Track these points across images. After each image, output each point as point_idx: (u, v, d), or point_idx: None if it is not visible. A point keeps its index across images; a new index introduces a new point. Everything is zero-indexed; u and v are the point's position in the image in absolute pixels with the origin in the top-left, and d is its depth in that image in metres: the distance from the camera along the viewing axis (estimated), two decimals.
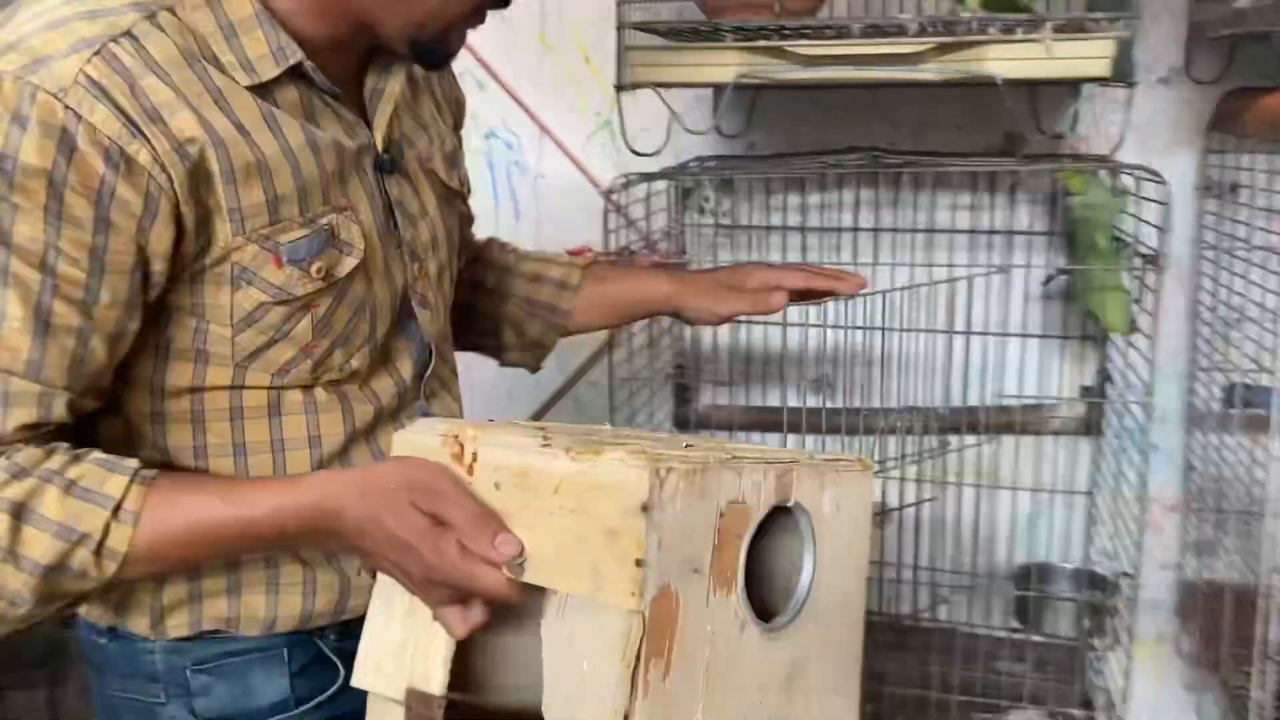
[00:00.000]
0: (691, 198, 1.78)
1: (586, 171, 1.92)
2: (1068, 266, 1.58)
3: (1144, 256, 1.43)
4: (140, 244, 0.80)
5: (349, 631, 0.93)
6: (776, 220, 1.74)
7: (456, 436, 0.78)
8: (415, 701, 0.78)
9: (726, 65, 1.35)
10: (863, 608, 0.88)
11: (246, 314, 0.85)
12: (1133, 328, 1.50)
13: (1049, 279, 1.63)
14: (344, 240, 0.89)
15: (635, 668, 0.68)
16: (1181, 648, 1.77)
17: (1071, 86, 1.57)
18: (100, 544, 0.78)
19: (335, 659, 0.96)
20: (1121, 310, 1.50)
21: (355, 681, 0.83)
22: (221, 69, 0.83)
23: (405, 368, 0.99)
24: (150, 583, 0.90)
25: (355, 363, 0.92)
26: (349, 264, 0.89)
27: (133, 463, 0.81)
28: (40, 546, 0.77)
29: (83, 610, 0.96)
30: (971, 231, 1.67)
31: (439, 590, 0.76)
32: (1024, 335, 1.70)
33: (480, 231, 1.25)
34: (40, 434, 0.79)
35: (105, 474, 0.79)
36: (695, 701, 0.73)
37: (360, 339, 0.92)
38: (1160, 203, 1.34)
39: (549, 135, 1.92)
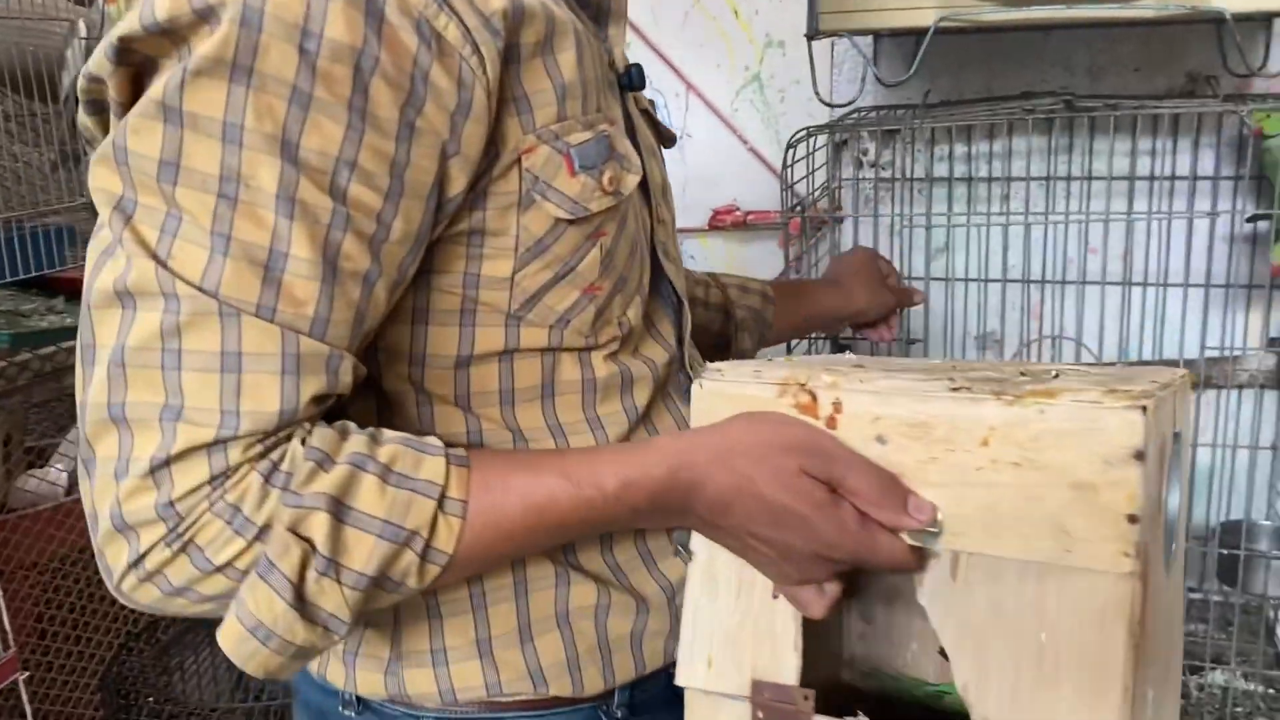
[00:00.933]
0: (848, 149, 1.73)
1: (735, 129, 1.88)
2: (1262, 211, 1.49)
3: None
4: (446, 153, 0.65)
5: (636, 705, 0.80)
6: (941, 171, 1.68)
7: (804, 384, 0.65)
8: (769, 694, 0.67)
9: (924, 8, 1.29)
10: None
11: (536, 240, 0.70)
12: None
13: (1254, 219, 1.54)
14: (621, 153, 0.74)
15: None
16: None
17: (1264, 21, 1.47)
18: (428, 544, 0.63)
19: None
20: None
21: (680, 680, 0.72)
22: None
23: (667, 330, 0.85)
24: (434, 625, 0.73)
25: (631, 315, 0.78)
26: (632, 180, 0.75)
27: (437, 441, 0.66)
28: (363, 552, 0.61)
29: (315, 664, 0.80)
30: (1152, 178, 1.58)
31: (823, 567, 0.66)
32: (1207, 285, 1.62)
33: None
34: (324, 410, 0.65)
35: (418, 455, 0.64)
36: (1150, 652, 0.63)
37: (634, 284, 0.79)
38: None
39: (695, 92, 1.88)
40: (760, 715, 0.67)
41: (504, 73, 0.66)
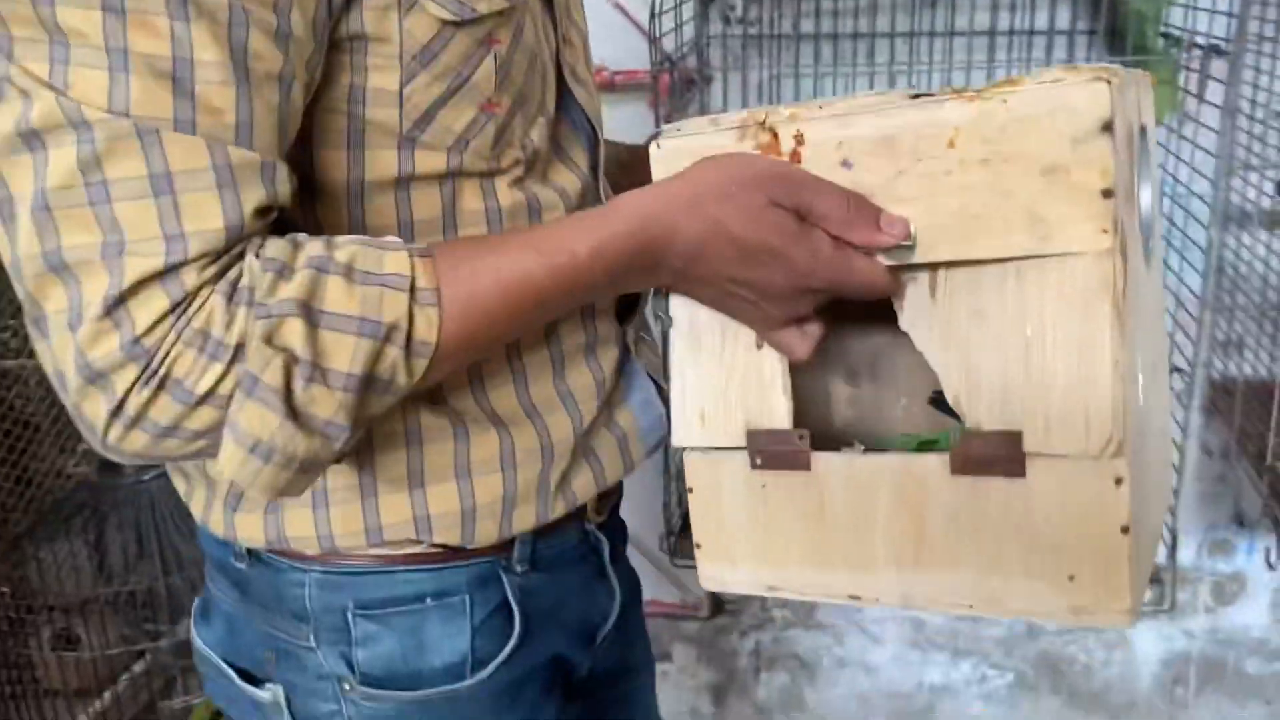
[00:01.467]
0: (715, 5, 1.70)
1: None
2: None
3: (1202, 47, 1.39)
4: None
5: (540, 560, 0.80)
6: (808, 28, 1.66)
7: (763, 122, 0.64)
8: (765, 440, 0.67)
9: None
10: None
11: (422, 47, 0.65)
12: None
13: None
14: None
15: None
16: (1209, 443, 1.81)
17: None
18: (409, 336, 0.60)
19: (516, 608, 0.78)
20: (1170, 105, 1.48)
21: (676, 441, 0.72)
22: None
23: (579, 156, 0.79)
24: (316, 468, 0.66)
25: (535, 137, 0.74)
26: None
27: (394, 238, 0.63)
28: (345, 353, 0.58)
29: (200, 513, 0.78)
30: (1011, 32, 1.61)
31: (803, 300, 0.65)
32: None
33: None
34: (269, 224, 0.61)
35: (379, 253, 0.61)
36: (1134, 337, 0.63)
37: (535, 103, 0.74)
38: None
39: None
40: (759, 461, 0.67)
41: None
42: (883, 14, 1.63)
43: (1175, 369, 1.53)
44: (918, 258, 0.61)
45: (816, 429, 0.68)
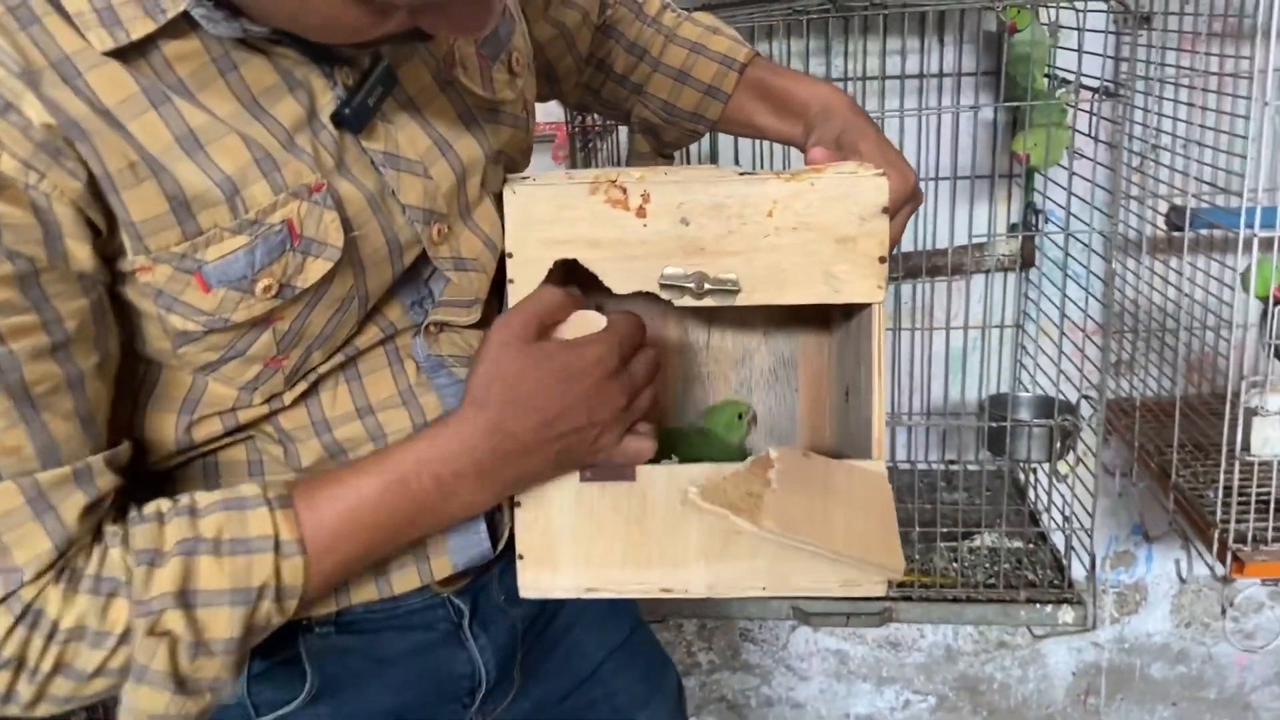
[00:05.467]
0: None
1: None
2: (1013, 103, 1.60)
3: (1092, 89, 1.46)
4: (56, 266, 0.60)
5: (353, 625, 0.82)
6: None
7: (614, 180, 0.74)
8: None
9: None
10: None
11: (180, 332, 0.66)
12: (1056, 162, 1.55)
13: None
14: (310, 238, 0.65)
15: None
16: (1106, 461, 1.90)
17: None
18: (278, 589, 0.66)
19: (308, 664, 0.81)
20: (1059, 144, 1.55)
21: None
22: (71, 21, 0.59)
23: (396, 315, 0.76)
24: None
25: (336, 359, 0.74)
26: (319, 269, 0.66)
27: (251, 489, 0.67)
28: (223, 624, 0.64)
29: None
30: (921, 76, 1.67)
31: (619, 392, 0.72)
32: (955, 178, 1.73)
33: None
34: (109, 509, 0.65)
35: (241, 515, 0.66)
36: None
37: (348, 329, 0.73)
38: (1103, 32, 1.37)
39: None
40: (588, 474, 0.76)
41: (97, 194, 0.60)
42: (795, 60, 1.66)
43: (1084, 396, 1.60)
44: (741, 300, 0.75)
45: None
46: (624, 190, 0.74)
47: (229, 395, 0.71)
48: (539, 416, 0.70)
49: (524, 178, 0.75)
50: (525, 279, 0.74)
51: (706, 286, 0.74)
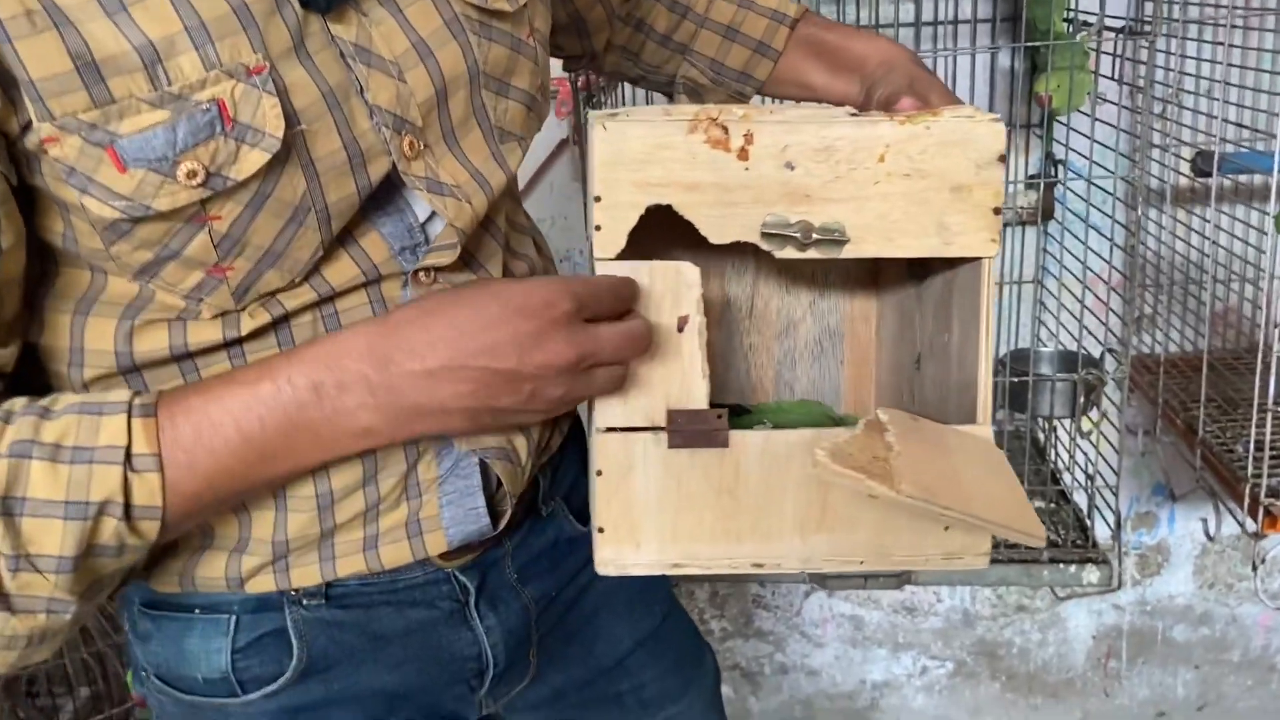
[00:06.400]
0: None
1: None
2: (1033, 43, 1.54)
3: (1115, 30, 1.41)
4: None
5: (345, 598, 0.76)
6: None
7: (715, 119, 0.68)
8: (684, 420, 0.70)
9: None
10: None
11: (107, 224, 0.59)
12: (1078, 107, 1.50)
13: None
14: (245, 124, 0.59)
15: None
16: (1130, 419, 1.85)
17: None
18: (128, 506, 0.58)
19: (295, 639, 0.75)
20: (1081, 89, 1.49)
21: (599, 423, 0.71)
22: None
23: (376, 249, 0.68)
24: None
25: (297, 296, 0.67)
26: (255, 160, 0.59)
27: (121, 394, 0.60)
28: (53, 538, 0.57)
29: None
30: (936, 23, 1.61)
31: (584, 337, 0.63)
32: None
33: None
34: None
35: (94, 421, 0.58)
36: None
37: (308, 251, 0.65)
38: None
39: None
40: (677, 440, 0.70)
41: None
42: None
43: (1108, 350, 1.55)
44: (847, 252, 0.70)
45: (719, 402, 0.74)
46: (725, 129, 0.67)
47: (175, 303, 0.64)
48: (456, 340, 0.60)
49: (614, 113, 0.69)
50: (613, 226, 0.67)
51: (814, 236, 0.69)
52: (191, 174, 0.58)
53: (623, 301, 0.66)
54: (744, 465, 0.71)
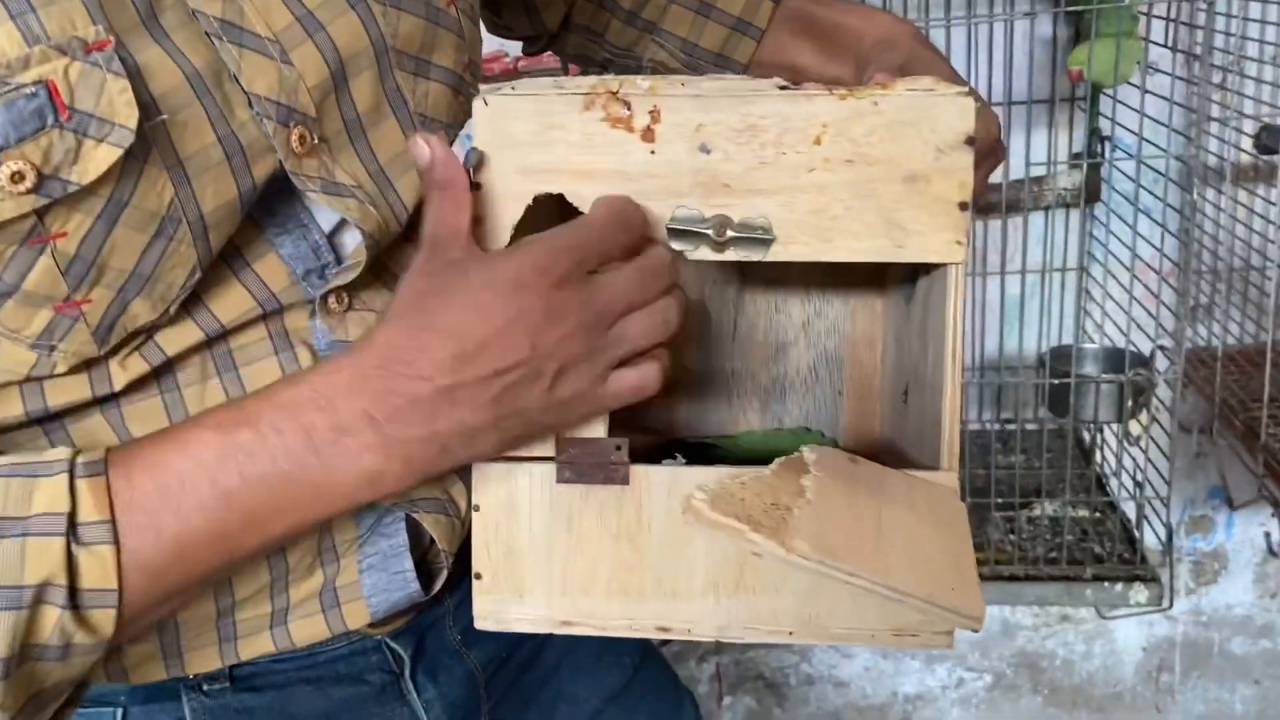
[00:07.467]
0: None
1: None
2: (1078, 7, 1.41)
3: None
4: None
5: (252, 679, 0.66)
6: None
7: (615, 92, 0.57)
8: (576, 451, 0.60)
9: None
10: None
11: None
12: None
13: None
14: (86, 112, 0.48)
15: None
16: (1184, 416, 1.72)
17: None
18: (73, 591, 0.47)
19: None
20: (1130, 58, 1.36)
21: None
22: None
23: (273, 272, 0.59)
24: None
25: (195, 318, 0.57)
26: (104, 158, 0.49)
27: (60, 452, 0.49)
28: None
29: None
30: None
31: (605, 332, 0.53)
32: (1010, 103, 1.55)
33: None
34: None
35: (28, 484, 0.48)
36: None
37: (182, 272, 0.54)
38: None
39: None
40: (567, 474, 0.60)
41: None
42: None
43: (1159, 346, 1.42)
44: (773, 254, 0.58)
45: (635, 437, 0.61)
46: (627, 105, 0.57)
47: (23, 357, 0.52)
48: (455, 345, 0.51)
49: (499, 87, 0.58)
50: (496, 219, 0.57)
51: (729, 234, 0.57)
52: (17, 177, 0.46)
53: (629, 231, 0.56)
54: (647, 507, 0.60)
